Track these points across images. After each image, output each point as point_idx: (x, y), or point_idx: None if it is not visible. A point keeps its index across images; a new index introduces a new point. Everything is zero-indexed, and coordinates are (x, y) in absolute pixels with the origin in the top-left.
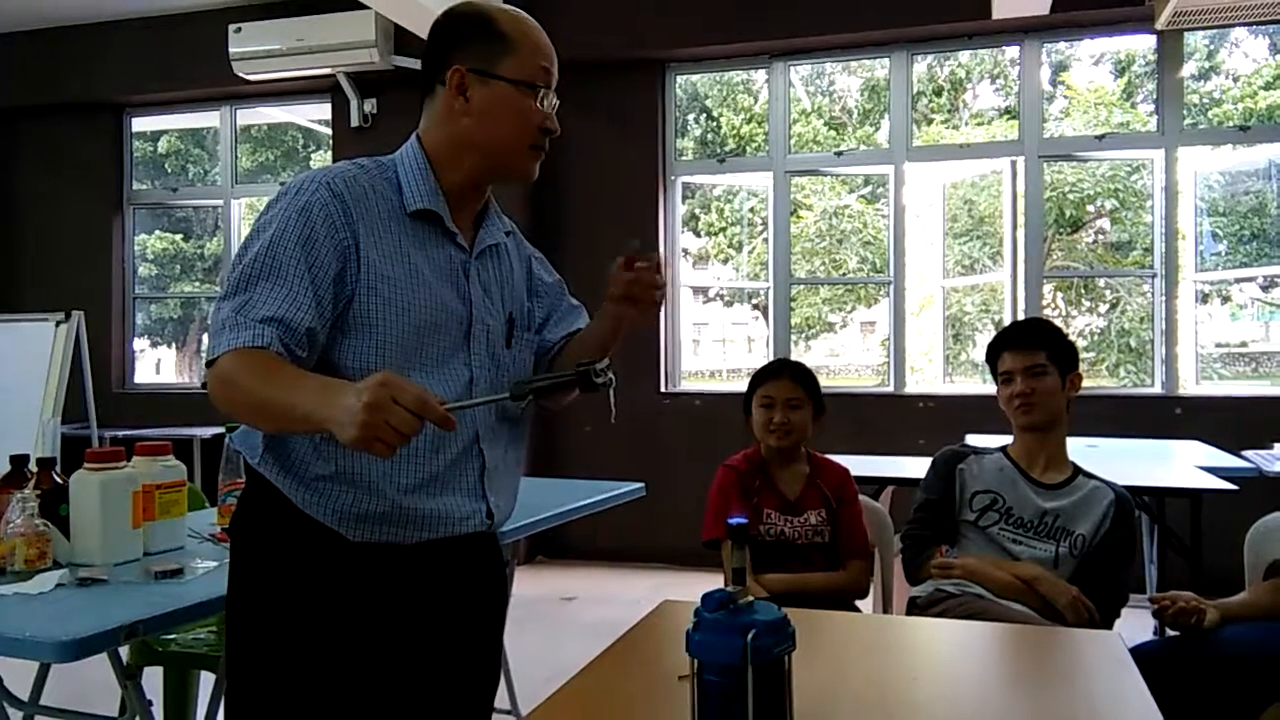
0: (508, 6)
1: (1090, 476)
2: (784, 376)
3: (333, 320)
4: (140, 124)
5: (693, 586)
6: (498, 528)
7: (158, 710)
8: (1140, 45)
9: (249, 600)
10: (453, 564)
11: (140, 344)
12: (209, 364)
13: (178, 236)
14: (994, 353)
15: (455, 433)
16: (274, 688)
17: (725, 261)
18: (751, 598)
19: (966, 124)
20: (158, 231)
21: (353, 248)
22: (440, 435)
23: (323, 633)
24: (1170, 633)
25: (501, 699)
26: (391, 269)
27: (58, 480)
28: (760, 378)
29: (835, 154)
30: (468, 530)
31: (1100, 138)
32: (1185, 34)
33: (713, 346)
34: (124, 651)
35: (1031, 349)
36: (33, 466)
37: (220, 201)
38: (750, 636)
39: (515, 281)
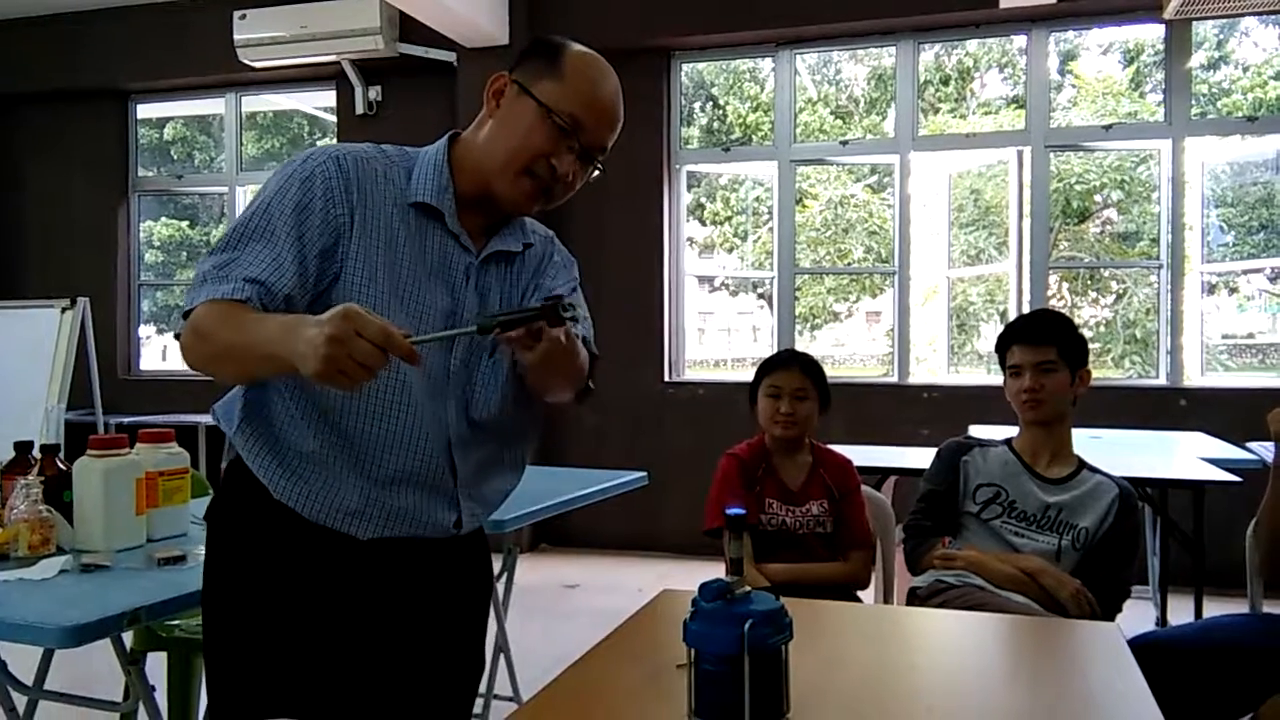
0: (587, 50)
1: (1095, 470)
2: (793, 367)
3: (316, 296)
4: (146, 111)
5: (695, 575)
6: (468, 531)
7: (161, 696)
8: (1149, 35)
9: (218, 585)
10: (418, 563)
11: (145, 331)
12: (185, 315)
13: (183, 223)
14: (1004, 344)
15: (429, 433)
16: (244, 673)
17: (730, 251)
18: (749, 588)
19: (973, 113)
20: (163, 218)
21: (347, 226)
22: (413, 433)
23: (292, 619)
24: (1171, 624)
25: (503, 685)
26: (378, 257)
27: (61, 467)
28: (768, 367)
29: (841, 143)
30: (432, 534)
31: (1107, 128)
32: (1194, 23)
33: (717, 335)
34: (127, 637)
35: (1042, 344)
36: (37, 453)
37: (226, 188)
38: (747, 626)
39: (520, 289)
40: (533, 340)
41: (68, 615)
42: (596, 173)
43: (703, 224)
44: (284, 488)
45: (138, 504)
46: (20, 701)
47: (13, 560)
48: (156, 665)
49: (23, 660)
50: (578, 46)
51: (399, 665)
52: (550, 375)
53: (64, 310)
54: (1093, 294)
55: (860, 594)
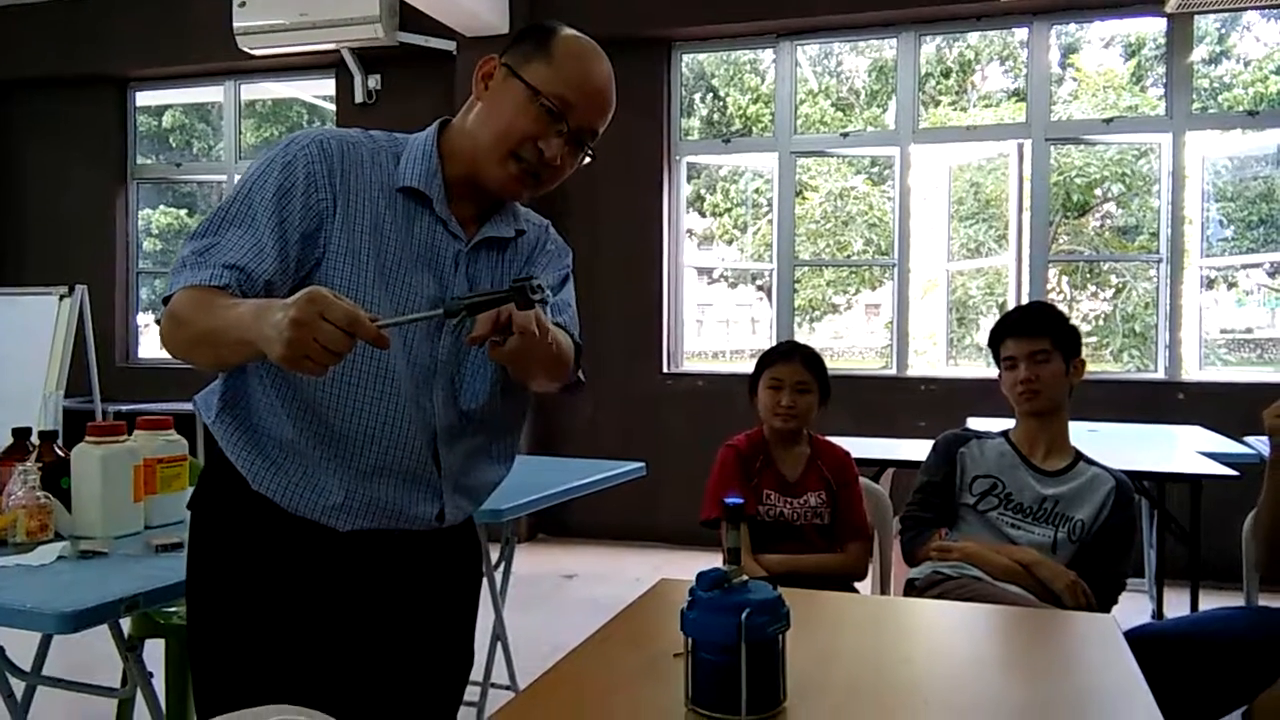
0: (578, 34)
1: (1091, 463)
2: (794, 360)
3: (299, 282)
4: (144, 98)
5: (693, 566)
6: (451, 524)
7: (159, 682)
8: (1150, 28)
9: (201, 575)
10: (400, 555)
11: (144, 319)
12: (165, 301)
13: (182, 211)
14: (997, 338)
15: (413, 424)
16: (226, 662)
17: (730, 242)
18: (746, 577)
19: (974, 106)
20: (162, 206)
21: (330, 211)
22: (396, 424)
23: (273, 610)
24: (1167, 617)
25: (501, 674)
26: (362, 242)
27: (60, 453)
28: (769, 359)
29: (841, 135)
30: (414, 527)
31: (1108, 121)
32: (1196, 17)
33: (716, 327)
34: (125, 624)
35: (1035, 335)
36: (35, 439)
37: (224, 177)
38: (744, 615)
39: (511, 277)
40: (501, 335)
41: (66, 601)
42: (588, 159)
43: (702, 215)
44: (262, 478)
45: (136, 491)
46: (18, 687)
47: (10, 546)
48: (154, 652)
49: (21, 646)
50: (569, 30)
51: (383, 657)
52: (528, 365)
53: (62, 297)
54: (1092, 288)
55: (857, 585)
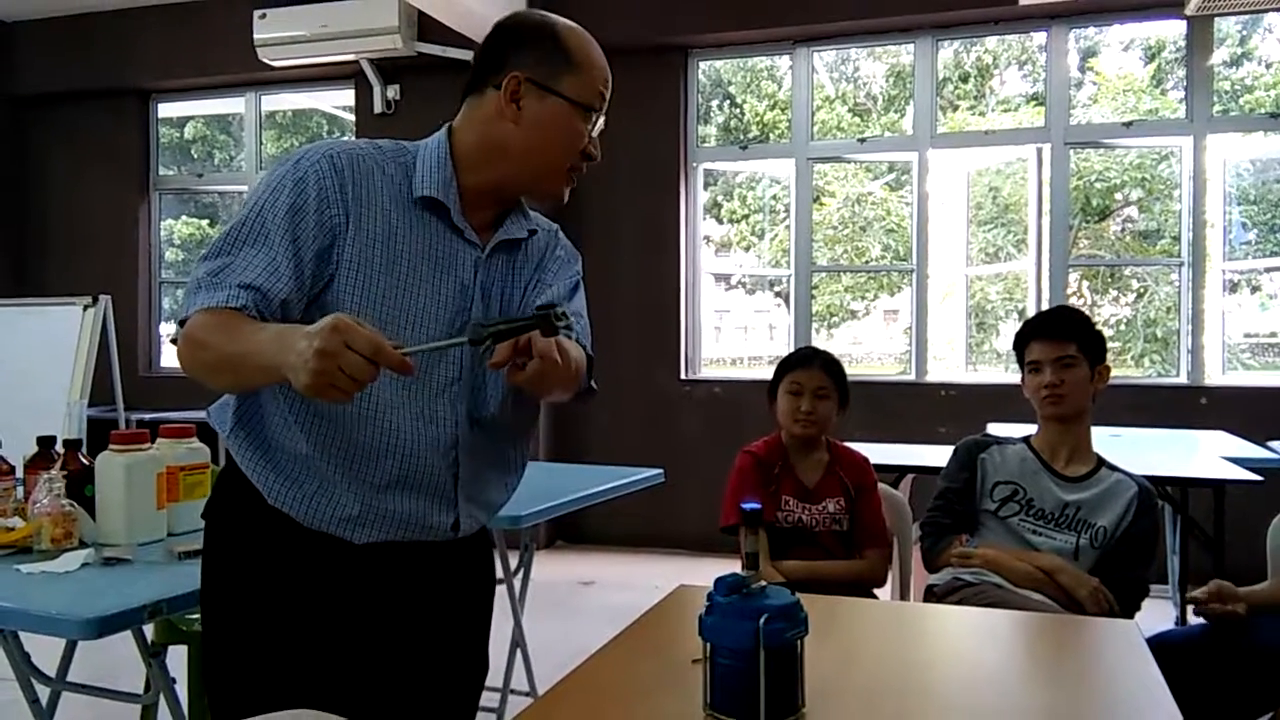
0: (572, 23)
1: (1114, 469)
2: (814, 366)
3: (312, 299)
4: (167, 110)
5: (711, 572)
6: (466, 534)
7: (181, 688)
8: (1170, 31)
9: (215, 585)
10: (415, 565)
11: (166, 328)
12: (180, 323)
13: (204, 222)
14: (1022, 341)
15: (430, 436)
16: (240, 673)
17: (747, 249)
18: (764, 582)
19: (993, 110)
20: (184, 217)
21: (343, 227)
22: (413, 437)
23: (288, 622)
24: (1191, 623)
25: (520, 680)
26: (375, 256)
27: (84, 461)
28: (789, 365)
29: (859, 141)
30: (430, 538)
31: (1128, 125)
32: (1216, 20)
33: (734, 333)
34: (148, 630)
35: (1062, 339)
36: (59, 448)
37: (245, 187)
38: (762, 621)
39: (522, 282)
40: (521, 359)
41: (90, 608)
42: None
43: (719, 222)
44: (278, 492)
45: (159, 498)
46: (43, 692)
47: (36, 553)
48: (177, 658)
49: (46, 652)
50: (564, 22)
51: (397, 666)
52: (544, 386)
53: (86, 308)
54: (1113, 292)
55: (876, 592)
